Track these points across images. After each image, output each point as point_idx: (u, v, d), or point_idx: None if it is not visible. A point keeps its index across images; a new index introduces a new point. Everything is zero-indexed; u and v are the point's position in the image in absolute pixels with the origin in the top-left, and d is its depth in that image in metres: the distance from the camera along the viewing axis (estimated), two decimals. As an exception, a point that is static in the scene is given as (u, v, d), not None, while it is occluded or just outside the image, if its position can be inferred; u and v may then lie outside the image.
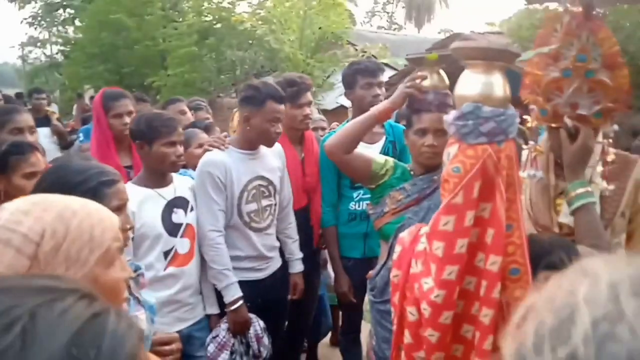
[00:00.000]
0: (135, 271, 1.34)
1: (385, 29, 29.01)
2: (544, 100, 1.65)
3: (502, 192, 1.22)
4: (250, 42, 10.55)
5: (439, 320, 1.22)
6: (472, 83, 1.29)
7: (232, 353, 2.26)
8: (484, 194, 1.22)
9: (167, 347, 1.54)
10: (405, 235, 1.42)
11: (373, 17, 33.35)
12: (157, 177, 2.17)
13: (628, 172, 1.75)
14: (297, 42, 10.34)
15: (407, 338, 1.31)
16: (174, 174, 2.24)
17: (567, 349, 0.35)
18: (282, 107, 2.31)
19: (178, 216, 2.17)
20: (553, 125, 1.70)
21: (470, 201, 1.21)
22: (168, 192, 2.18)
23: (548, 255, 1.27)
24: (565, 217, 1.75)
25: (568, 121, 1.57)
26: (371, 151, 2.29)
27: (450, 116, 1.29)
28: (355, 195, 2.59)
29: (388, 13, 33.94)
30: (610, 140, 1.71)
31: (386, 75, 4.59)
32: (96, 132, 2.66)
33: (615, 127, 1.67)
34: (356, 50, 10.27)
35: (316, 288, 2.82)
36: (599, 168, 1.71)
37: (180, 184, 2.25)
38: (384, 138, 2.63)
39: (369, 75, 2.60)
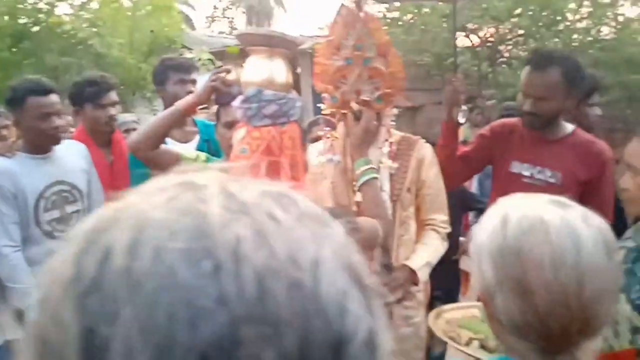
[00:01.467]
0: None
1: (226, 33, 28.92)
2: (333, 88, 1.77)
3: (287, 171, 1.29)
4: (79, 47, 9.78)
5: None
6: (256, 69, 1.35)
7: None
8: (271, 174, 1.28)
9: None
10: None
11: (213, 22, 33.03)
12: None
13: (411, 152, 1.96)
14: (127, 46, 9.83)
15: None
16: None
17: None
18: (49, 98, 2.15)
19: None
20: (343, 111, 1.83)
21: None
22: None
23: None
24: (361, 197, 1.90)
25: (354, 105, 1.70)
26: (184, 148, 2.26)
27: (237, 101, 1.34)
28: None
29: (228, 18, 33.90)
30: (393, 123, 1.90)
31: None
32: None
33: (395, 110, 1.85)
34: (191, 52, 10.07)
35: None
36: (385, 149, 1.89)
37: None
38: (197, 137, 2.60)
39: (182, 72, 2.56)
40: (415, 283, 1.96)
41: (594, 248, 0.72)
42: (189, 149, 2.40)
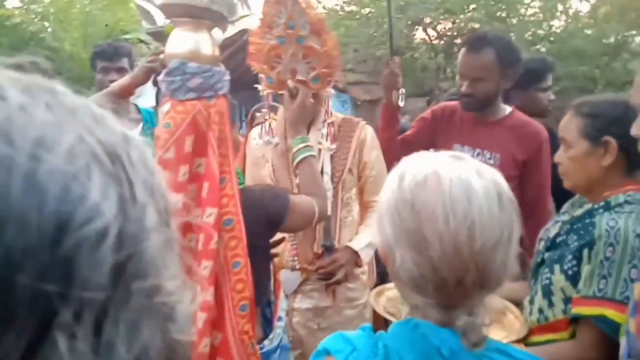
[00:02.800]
0: None
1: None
2: (269, 68, 1.74)
3: (214, 146, 1.25)
4: (30, 42, 9.45)
5: None
6: (180, 41, 1.30)
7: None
8: (198, 149, 1.25)
9: None
10: None
11: (174, 19, 32.50)
12: None
13: (352, 133, 1.95)
14: (81, 40, 9.55)
15: None
16: None
17: None
18: None
19: None
20: (281, 92, 1.81)
21: (183, 156, 1.22)
22: None
23: (260, 203, 1.35)
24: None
25: (290, 83, 1.68)
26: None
27: (161, 75, 1.29)
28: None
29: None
30: (332, 105, 1.88)
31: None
32: None
33: (332, 91, 1.84)
34: (149, 49, 9.86)
35: None
36: (324, 130, 1.87)
37: None
38: (141, 124, 2.54)
39: (105, 59, 2.51)
40: (359, 265, 1.95)
41: (485, 199, 0.72)
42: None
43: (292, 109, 1.64)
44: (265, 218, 1.38)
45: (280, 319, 1.38)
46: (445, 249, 0.71)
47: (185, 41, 1.29)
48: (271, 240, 1.52)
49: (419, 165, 0.78)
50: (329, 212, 1.89)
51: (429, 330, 0.75)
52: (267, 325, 1.39)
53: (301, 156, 1.57)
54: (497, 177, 0.76)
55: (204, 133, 1.25)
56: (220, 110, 1.28)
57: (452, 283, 0.72)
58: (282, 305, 1.41)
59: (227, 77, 1.32)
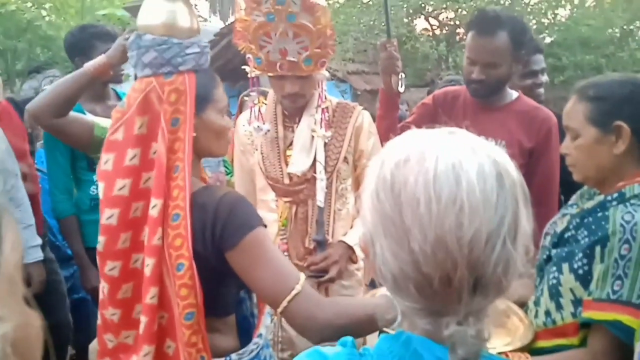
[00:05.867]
0: None
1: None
2: (257, 48, 1.62)
3: (164, 129, 1.10)
4: (26, 30, 9.30)
5: (104, 270, 1.11)
6: (152, 12, 1.15)
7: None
8: (154, 132, 1.10)
9: None
10: None
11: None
12: None
13: (347, 120, 1.82)
14: (78, 28, 9.40)
15: (99, 319, 1.17)
16: None
17: None
18: None
19: None
20: (270, 74, 1.69)
21: (132, 138, 1.09)
22: None
23: (215, 206, 1.12)
24: (293, 167, 1.76)
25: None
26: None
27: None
28: (95, 178, 2.33)
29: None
30: (325, 88, 1.76)
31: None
32: None
33: (326, 74, 1.72)
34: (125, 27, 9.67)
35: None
36: (318, 116, 1.75)
37: None
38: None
39: (110, 41, 2.36)
40: (353, 260, 1.84)
41: (478, 178, 0.59)
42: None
43: None
44: (210, 228, 1.08)
45: (259, 335, 1.21)
46: (428, 239, 0.58)
47: (158, 11, 1.13)
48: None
49: (404, 142, 0.65)
50: (322, 205, 1.77)
51: (423, 347, 0.62)
52: (246, 337, 1.23)
53: None
54: (498, 155, 0.63)
55: (158, 114, 1.10)
56: (180, 88, 1.10)
57: (437, 282, 0.59)
58: (265, 321, 1.24)
59: (193, 51, 1.14)
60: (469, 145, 0.62)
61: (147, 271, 1.07)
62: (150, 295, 1.07)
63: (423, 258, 0.59)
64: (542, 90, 2.39)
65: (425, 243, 0.58)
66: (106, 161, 1.09)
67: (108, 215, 1.08)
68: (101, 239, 1.09)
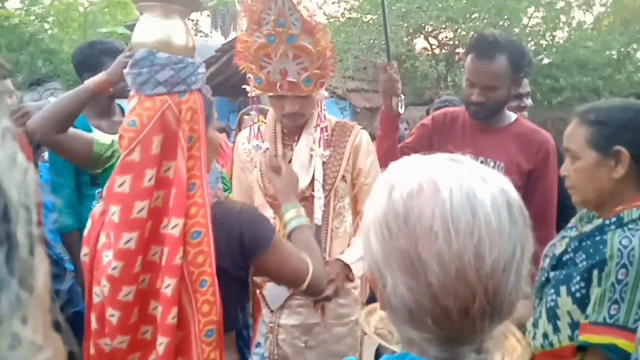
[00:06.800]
0: None
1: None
2: (257, 68, 1.64)
3: (184, 147, 1.11)
4: (29, 43, 9.37)
5: (118, 297, 1.08)
6: (148, 28, 1.15)
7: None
8: (167, 150, 1.10)
9: None
10: (97, 207, 1.25)
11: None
12: None
13: (346, 138, 1.83)
14: (80, 42, 9.47)
15: (93, 324, 1.15)
16: None
17: None
18: None
19: None
20: (271, 94, 1.70)
21: (149, 158, 1.09)
22: None
23: (236, 220, 1.19)
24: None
25: (272, 159, 1.56)
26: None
27: (127, 67, 1.16)
28: (97, 192, 2.33)
29: (193, 21, 33.48)
30: (325, 107, 1.77)
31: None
32: None
33: (326, 93, 1.73)
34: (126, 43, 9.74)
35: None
36: (317, 135, 1.76)
37: None
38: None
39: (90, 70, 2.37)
40: (350, 279, 1.83)
41: (493, 210, 0.60)
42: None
43: (279, 182, 1.49)
44: (237, 240, 1.15)
45: (258, 344, 1.22)
46: (448, 272, 0.58)
47: (153, 28, 1.13)
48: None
49: (411, 170, 0.65)
50: (320, 223, 1.77)
51: None
52: (245, 348, 1.25)
53: (294, 224, 1.40)
54: (504, 184, 0.64)
55: (174, 133, 1.11)
56: (193, 107, 1.12)
57: (457, 314, 0.59)
58: (261, 330, 1.26)
59: (202, 70, 1.17)
60: (478, 175, 0.63)
61: (168, 291, 1.06)
62: (172, 316, 1.06)
63: (441, 291, 0.59)
64: (526, 113, 2.42)
65: (445, 276, 0.59)
66: (121, 183, 1.07)
67: (126, 240, 1.06)
68: (117, 264, 1.06)
